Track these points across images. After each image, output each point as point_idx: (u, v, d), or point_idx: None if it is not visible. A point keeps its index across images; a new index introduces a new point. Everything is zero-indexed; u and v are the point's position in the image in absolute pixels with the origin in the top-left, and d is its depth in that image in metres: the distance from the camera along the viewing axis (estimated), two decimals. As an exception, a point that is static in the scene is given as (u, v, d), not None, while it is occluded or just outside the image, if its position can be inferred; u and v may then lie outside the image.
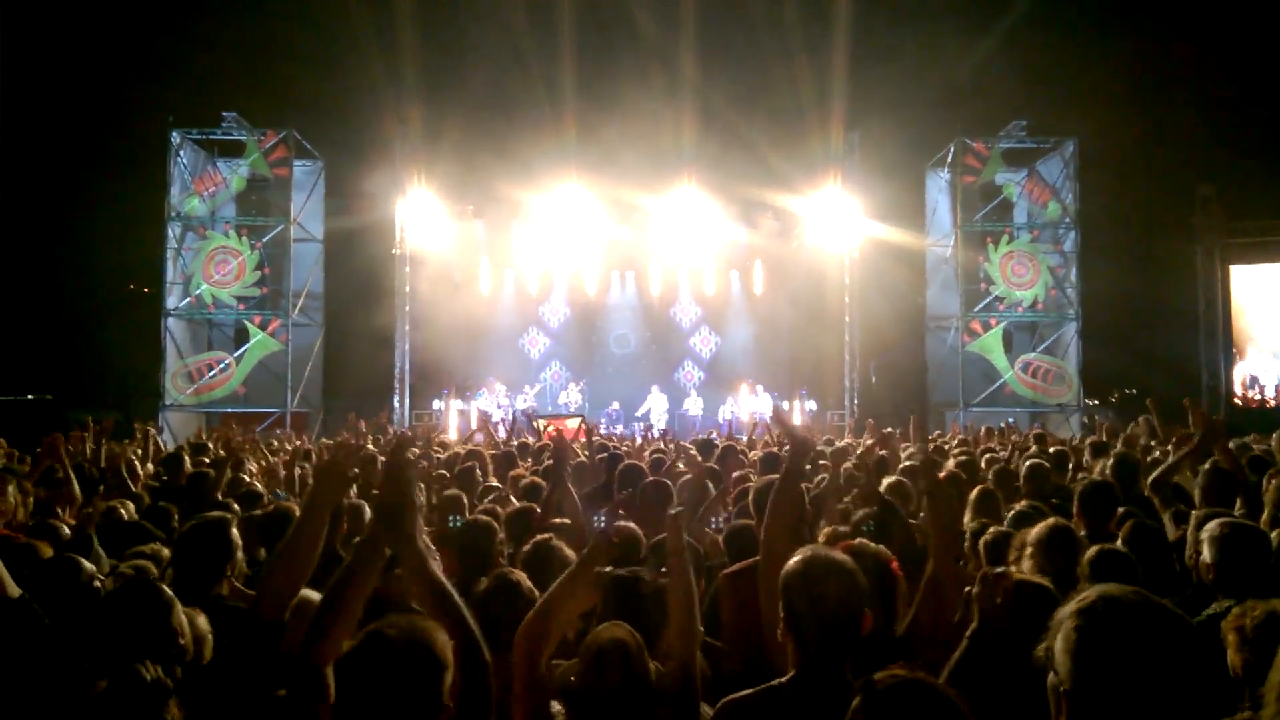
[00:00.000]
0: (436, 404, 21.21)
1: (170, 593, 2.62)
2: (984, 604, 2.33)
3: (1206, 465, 4.84)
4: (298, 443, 11.38)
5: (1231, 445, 5.39)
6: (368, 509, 4.30)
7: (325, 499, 2.92)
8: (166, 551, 3.74)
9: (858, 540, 3.16)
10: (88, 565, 3.20)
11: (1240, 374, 22.05)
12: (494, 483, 6.40)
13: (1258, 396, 21.89)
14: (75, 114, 20.53)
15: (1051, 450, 7.34)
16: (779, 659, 2.44)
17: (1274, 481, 4.62)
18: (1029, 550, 3.44)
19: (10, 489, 4.72)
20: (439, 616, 2.12)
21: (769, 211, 22.21)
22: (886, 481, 5.27)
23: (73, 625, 2.56)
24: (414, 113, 20.44)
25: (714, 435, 12.40)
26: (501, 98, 19.99)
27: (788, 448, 3.64)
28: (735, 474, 6.34)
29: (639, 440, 11.99)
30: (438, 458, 8.48)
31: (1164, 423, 7.55)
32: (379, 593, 2.49)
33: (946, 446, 9.14)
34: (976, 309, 20.94)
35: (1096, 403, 23.04)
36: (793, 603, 2.34)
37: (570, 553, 3.40)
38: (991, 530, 4.01)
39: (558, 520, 4.47)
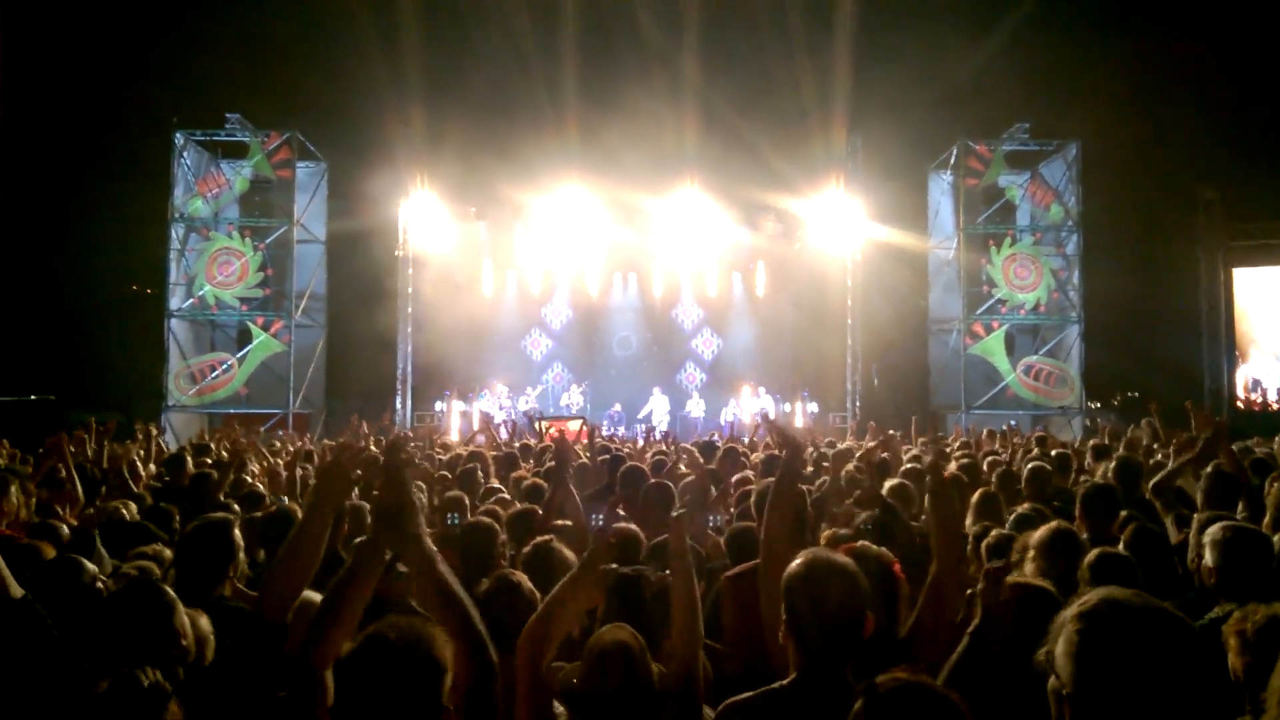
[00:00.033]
0: (439, 405, 21.23)
1: (173, 594, 2.62)
2: (988, 600, 2.33)
3: (1209, 468, 4.83)
4: (299, 444, 11.39)
5: (1234, 448, 5.38)
6: (369, 510, 4.30)
7: (328, 501, 2.92)
8: (169, 552, 3.74)
9: (860, 543, 3.16)
10: (90, 566, 3.20)
11: (1242, 377, 22.03)
12: (496, 484, 6.41)
13: (1260, 399, 21.86)
14: (79, 115, 20.57)
15: (1053, 453, 7.34)
16: (780, 661, 2.44)
17: (1276, 485, 4.61)
18: (1031, 553, 3.44)
19: (13, 489, 4.73)
20: (446, 616, 2.12)
21: (771, 213, 22.21)
22: (888, 484, 5.27)
23: (75, 626, 2.56)
24: (417, 114, 20.47)
25: (715, 437, 12.39)
26: (504, 100, 20.03)
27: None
28: (736, 476, 6.34)
29: (641, 442, 11.99)
30: (440, 459, 8.48)
31: (1166, 425, 7.55)
32: (379, 594, 2.49)
33: (948, 449, 9.14)
34: (979, 311, 20.93)
35: (1099, 405, 23.02)
36: (794, 605, 2.33)
37: (570, 554, 3.40)
38: (993, 533, 4.01)
39: (559, 522, 4.48)
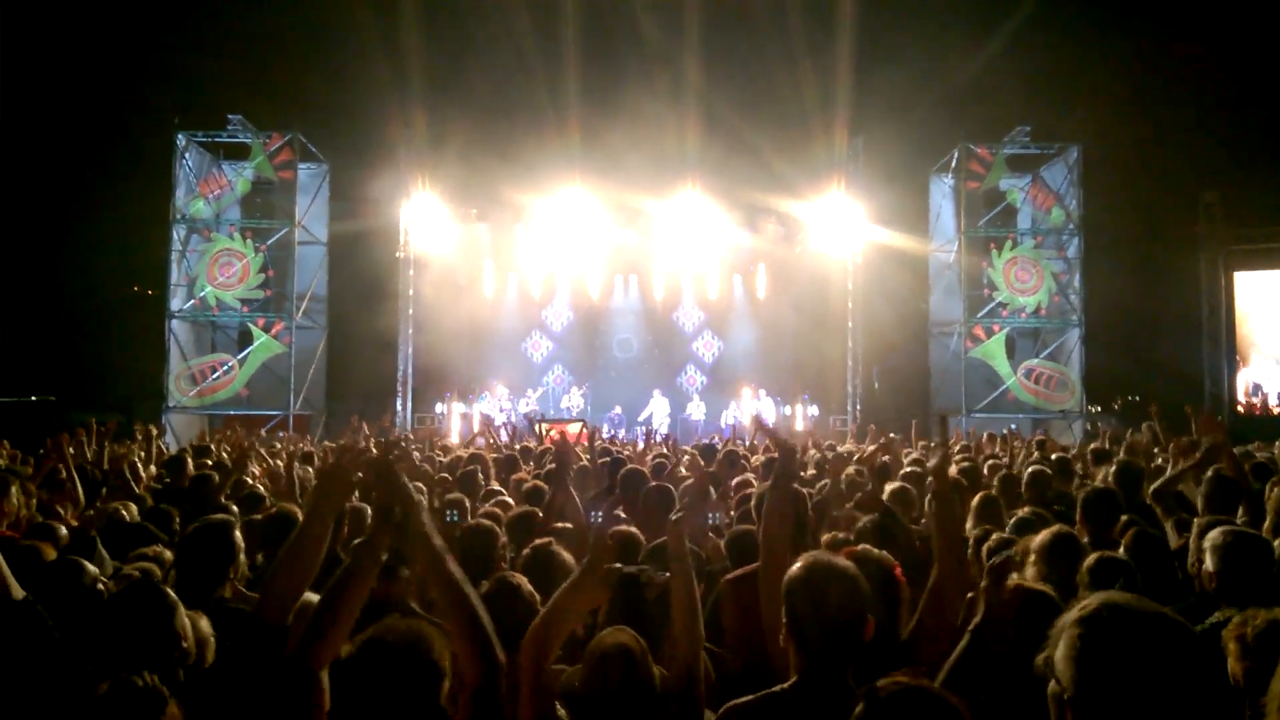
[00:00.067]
0: (439, 407, 21.23)
1: (173, 595, 2.62)
2: (991, 597, 2.32)
3: (1209, 473, 4.82)
4: (296, 445, 11.39)
5: (1234, 452, 5.37)
6: (369, 511, 4.30)
7: (329, 503, 2.91)
8: (169, 554, 3.74)
9: (860, 546, 3.15)
10: (91, 568, 3.20)
11: (1243, 381, 22.01)
12: (496, 486, 6.41)
13: (1260, 404, 21.84)
14: (81, 116, 20.62)
15: (1054, 457, 7.33)
16: (781, 664, 2.44)
17: (1276, 489, 4.61)
18: (1031, 557, 3.43)
19: (13, 490, 4.73)
20: (454, 614, 2.11)
21: (772, 216, 22.23)
22: (889, 488, 5.27)
23: (76, 628, 2.56)
24: (419, 116, 20.50)
25: (715, 440, 12.38)
26: (506, 102, 20.05)
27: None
28: (736, 479, 6.34)
29: (641, 444, 11.98)
30: (440, 461, 8.48)
31: (1166, 430, 7.55)
32: (378, 595, 2.49)
33: (951, 453, 9.12)
34: (979, 315, 20.94)
35: (1099, 409, 23.01)
36: (795, 608, 2.33)
37: (569, 557, 3.40)
38: (994, 537, 4.01)
39: (560, 524, 4.48)
